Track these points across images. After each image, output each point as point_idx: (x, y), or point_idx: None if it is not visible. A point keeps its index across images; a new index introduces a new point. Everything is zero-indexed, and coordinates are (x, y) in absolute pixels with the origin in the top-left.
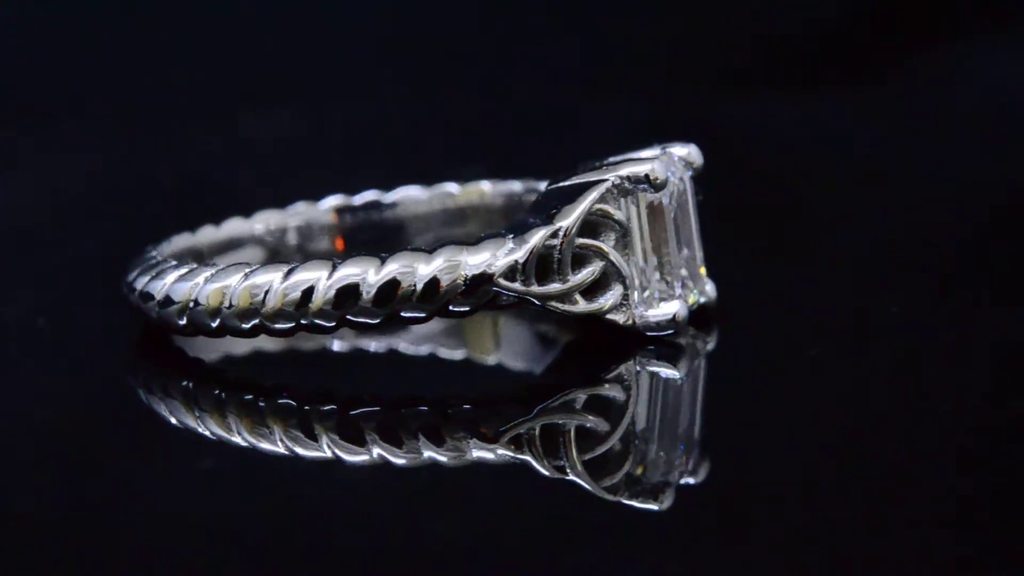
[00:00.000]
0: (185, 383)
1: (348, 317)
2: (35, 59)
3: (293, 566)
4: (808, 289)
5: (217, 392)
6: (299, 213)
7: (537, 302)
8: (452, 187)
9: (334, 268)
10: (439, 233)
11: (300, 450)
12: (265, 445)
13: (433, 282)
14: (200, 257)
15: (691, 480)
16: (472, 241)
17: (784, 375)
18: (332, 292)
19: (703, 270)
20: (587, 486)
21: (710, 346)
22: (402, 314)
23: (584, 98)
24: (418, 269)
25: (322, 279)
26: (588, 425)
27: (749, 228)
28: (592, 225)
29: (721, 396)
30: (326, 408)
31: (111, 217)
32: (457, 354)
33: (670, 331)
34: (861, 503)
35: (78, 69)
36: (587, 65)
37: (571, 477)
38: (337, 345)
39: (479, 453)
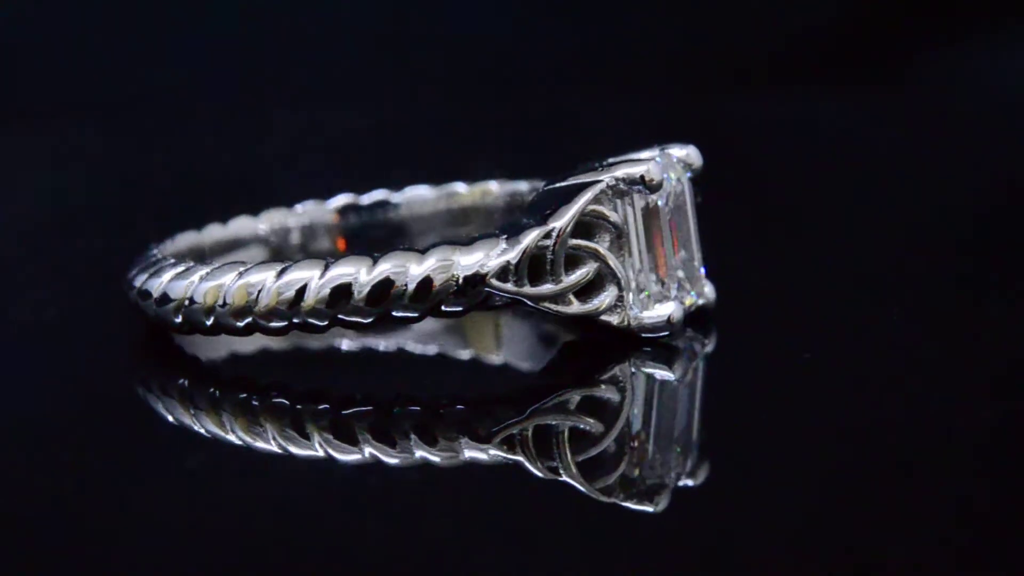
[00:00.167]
0: (181, 381)
1: (340, 316)
2: (40, 58)
3: (285, 565)
4: (808, 291)
5: (212, 390)
6: (305, 212)
7: (529, 303)
8: (460, 187)
9: (326, 267)
10: (443, 233)
11: (293, 449)
12: (259, 444)
13: (426, 282)
14: (201, 256)
15: (687, 482)
16: (466, 241)
17: (782, 377)
18: (324, 291)
19: (701, 271)
20: (581, 487)
21: (709, 348)
22: (394, 314)
23: (584, 98)
24: (410, 269)
25: (314, 278)
26: (582, 426)
27: (749, 229)
28: (587, 226)
29: (718, 398)
30: (320, 407)
31: (125, 214)
32: (464, 354)
33: (665, 333)
34: (860, 504)
35: (83, 68)
36: (587, 65)
37: (564, 478)
38: (346, 344)
39: (472, 453)
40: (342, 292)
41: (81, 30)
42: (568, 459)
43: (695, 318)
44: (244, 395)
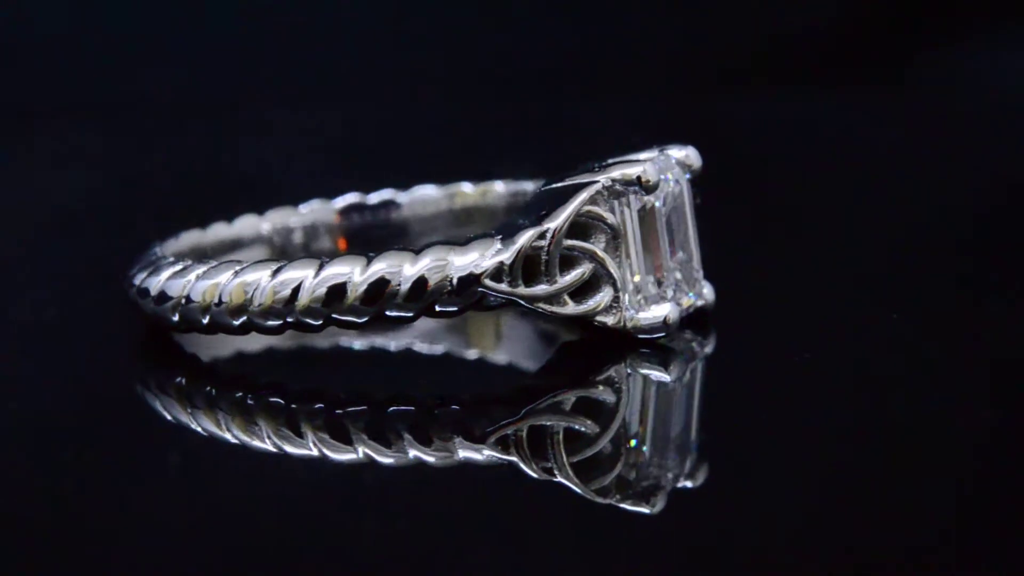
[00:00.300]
0: (179, 380)
1: (334, 316)
2: (41, 59)
3: (278, 564)
4: (808, 292)
5: (209, 389)
6: (310, 212)
7: (524, 303)
8: (465, 187)
9: (321, 267)
10: (446, 234)
11: (288, 448)
12: (255, 443)
13: (420, 282)
14: (203, 255)
15: (684, 484)
16: (461, 241)
17: (781, 378)
18: (318, 290)
19: (700, 273)
20: (575, 488)
21: (708, 349)
22: (388, 313)
23: (584, 98)
24: (404, 269)
25: (308, 277)
26: (576, 427)
27: (749, 230)
28: (582, 227)
29: (717, 399)
30: (316, 407)
31: (129, 214)
32: (471, 353)
33: (661, 334)
34: (859, 505)
35: (84, 68)
36: (587, 65)
37: (559, 479)
38: (350, 343)
39: (466, 453)
40: (336, 291)
41: (83, 30)
42: (563, 460)
43: (694, 319)
44: (240, 394)
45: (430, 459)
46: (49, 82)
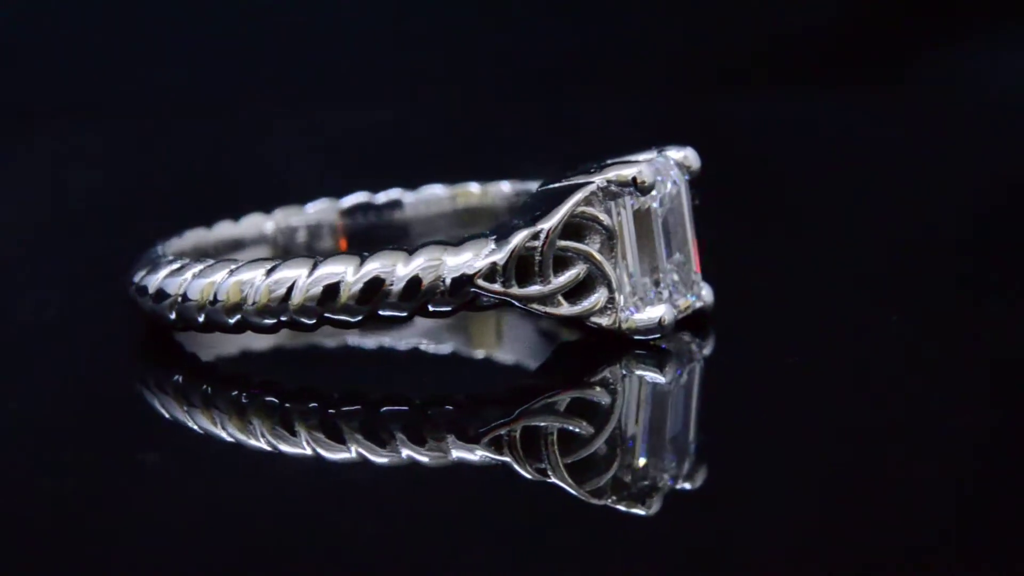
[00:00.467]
0: (176, 378)
1: (327, 315)
2: (54, 58)
3: (271, 563)
4: (807, 293)
5: (205, 387)
6: (316, 211)
7: (517, 304)
8: (473, 187)
9: (315, 266)
10: (449, 234)
11: (283, 447)
12: (251, 441)
13: (413, 281)
14: (205, 255)
15: (681, 485)
16: (455, 242)
17: (780, 380)
18: (312, 290)
19: (698, 274)
20: (570, 489)
21: (706, 350)
22: (381, 313)
23: (584, 98)
24: (398, 268)
25: (302, 276)
26: (571, 428)
27: (748, 230)
28: (577, 228)
29: (715, 400)
30: (311, 406)
31: (134, 214)
32: (477, 353)
33: (656, 335)
34: (857, 507)
35: (87, 68)
36: (587, 65)
37: (553, 480)
38: (356, 342)
39: (460, 454)
40: (330, 291)
41: (83, 30)
42: (557, 460)
43: (693, 321)
44: (235, 392)
45: (423, 459)
46: (49, 82)
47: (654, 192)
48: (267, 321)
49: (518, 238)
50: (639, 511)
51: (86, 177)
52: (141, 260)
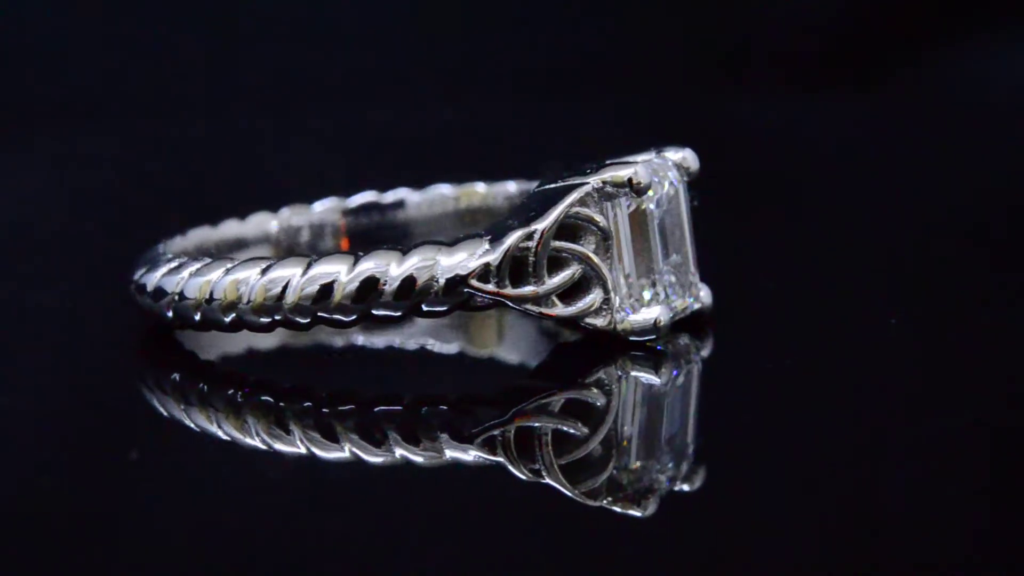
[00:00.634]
0: (174, 376)
1: (321, 314)
2: (62, 58)
3: (265, 562)
4: (807, 294)
5: (201, 385)
6: (322, 211)
7: (511, 304)
8: (480, 187)
9: (309, 265)
10: (452, 234)
11: (279, 446)
12: (247, 439)
13: (408, 281)
14: (207, 254)
15: (677, 487)
16: (450, 242)
17: (779, 382)
18: (306, 288)
19: (696, 276)
20: (564, 490)
21: (703, 352)
22: (375, 312)
23: (583, 98)
24: (391, 268)
25: (296, 276)
26: (565, 428)
27: (748, 231)
28: (572, 228)
29: (710, 402)
30: (305, 405)
31: (139, 214)
32: (484, 353)
33: (652, 336)
34: (857, 509)
35: (90, 68)
36: (587, 65)
37: (547, 481)
38: (364, 341)
39: (454, 454)
40: (324, 290)
41: (83, 30)
42: (551, 461)
43: (691, 322)
44: (232, 391)
45: (418, 459)
46: (54, 83)
47: (650, 193)
48: (262, 320)
49: (512, 239)
50: (635, 513)
51: (87, 177)
52: (143, 258)
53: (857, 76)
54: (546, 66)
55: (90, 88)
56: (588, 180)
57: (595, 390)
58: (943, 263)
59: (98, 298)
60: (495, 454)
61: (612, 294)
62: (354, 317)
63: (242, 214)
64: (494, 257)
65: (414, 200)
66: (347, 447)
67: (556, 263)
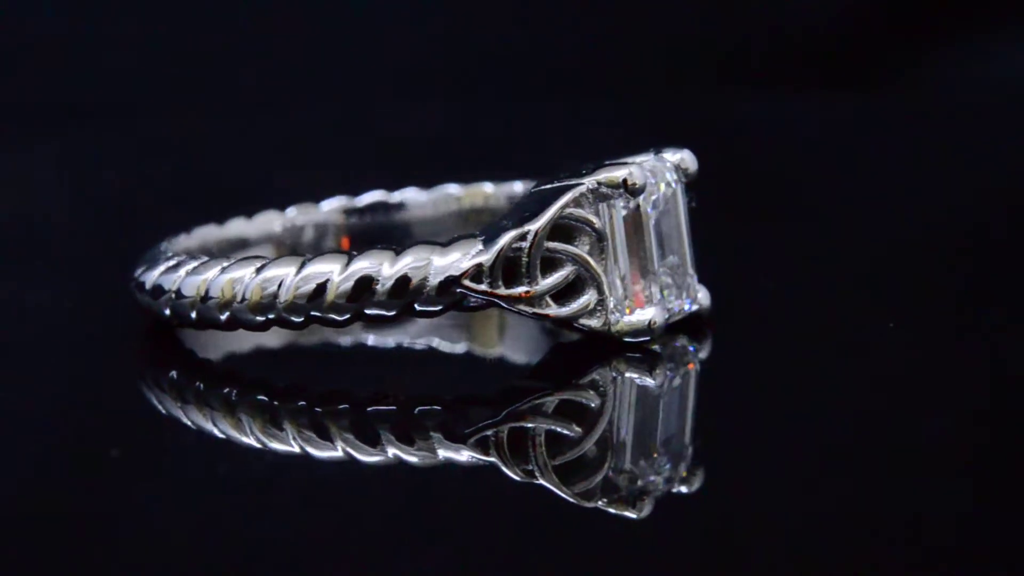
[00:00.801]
0: (172, 374)
1: (314, 313)
2: (73, 59)
3: (258, 561)
4: (806, 295)
5: (198, 384)
6: (328, 210)
7: (504, 304)
8: (487, 187)
9: (303, 265)
10: (453, 235)
11: (274, 444)
12: (242, 438)
13: (401, 281)
14: (209, 253)
15: (674, 489)
16: (443, 242)
17: (777, 383)
18: (301, 288)
19: (694, 277)
20: (558, 491)
21: (701, 353)
22: (368, 312)
23: (583, 98)
24: (384, 268)
25: (290, 275)
26: (558, 429)
27: (747, 232)
28: (566, 229)
29: (704, 403)
30: (301, 404)
31: (143, 214)
32: (493, 353)
33: (646, 338)
34: (853, 509)
35: (93, 69)
36: (587, 65)
37: (541, 481)
38: (373, 340)
39: (447, 454)
40: (318, 289)
41: (84, 30)
42: (545, 462)
43: (689, 324)
44: (227, 390)
45: (412, 459)
46: (55, 83)
47: (646, 194)
48: (257, 318)
49: (505, 239)
50: (629, 514)
51: (87, 178)
52: (145, 256)
53: (857, 76)
54: (546, 66)
55: (93, 87)
56: (583, 181)
57: (590, 391)
58: (943, 263)
59: (101, 296)
60: (488, 455)
61: (607, 295)
62: (347, 316)
63: (249, 213)
64: (487, 258)
65: (420, 200)
66: (340, 446)
67: (550, 264)
